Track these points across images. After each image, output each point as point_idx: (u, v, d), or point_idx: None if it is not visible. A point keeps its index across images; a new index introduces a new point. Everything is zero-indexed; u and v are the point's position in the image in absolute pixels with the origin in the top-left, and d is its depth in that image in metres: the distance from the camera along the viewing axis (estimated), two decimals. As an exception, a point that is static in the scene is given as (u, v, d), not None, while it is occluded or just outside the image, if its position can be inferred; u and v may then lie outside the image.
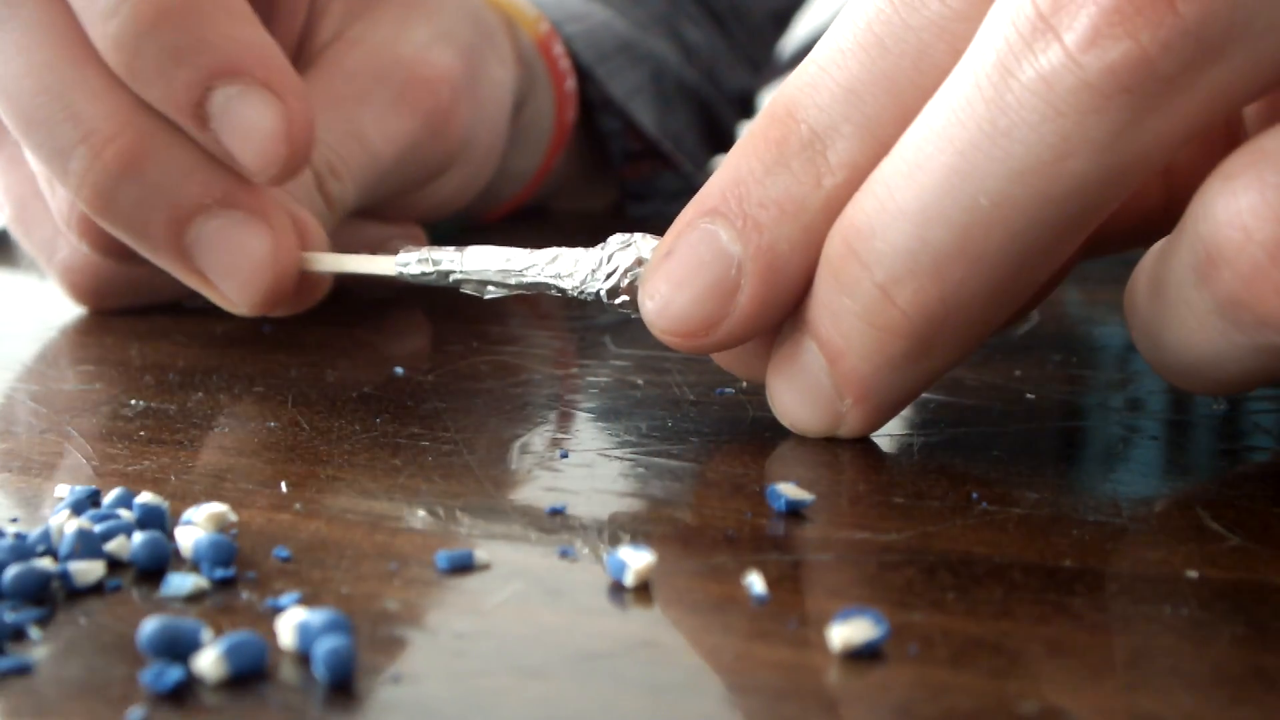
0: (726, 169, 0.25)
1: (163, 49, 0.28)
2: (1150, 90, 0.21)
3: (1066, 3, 0.21)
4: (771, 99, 0.25)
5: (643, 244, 0.27)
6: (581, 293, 0.28)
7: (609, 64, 0.52)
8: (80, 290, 0.37)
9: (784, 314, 0.25)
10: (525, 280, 0.28)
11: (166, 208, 0.30)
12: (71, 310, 0.39)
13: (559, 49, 0.49)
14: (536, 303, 0.40)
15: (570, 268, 0.28)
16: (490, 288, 0.29)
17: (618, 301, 0.27)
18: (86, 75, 0.30)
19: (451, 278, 0.29)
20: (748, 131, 0.25)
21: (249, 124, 0.29)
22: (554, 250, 0.28)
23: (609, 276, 0.27)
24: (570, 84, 0.49)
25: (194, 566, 0.21)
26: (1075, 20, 0.21)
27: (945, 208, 0.22)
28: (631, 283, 0.27)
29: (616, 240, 0.27)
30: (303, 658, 0.18)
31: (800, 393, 0.26)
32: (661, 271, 0.25)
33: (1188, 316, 0.23)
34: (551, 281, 0.28)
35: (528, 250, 0.28)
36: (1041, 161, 0.21)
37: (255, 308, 0.31)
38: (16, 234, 0.37)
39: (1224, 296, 0.21)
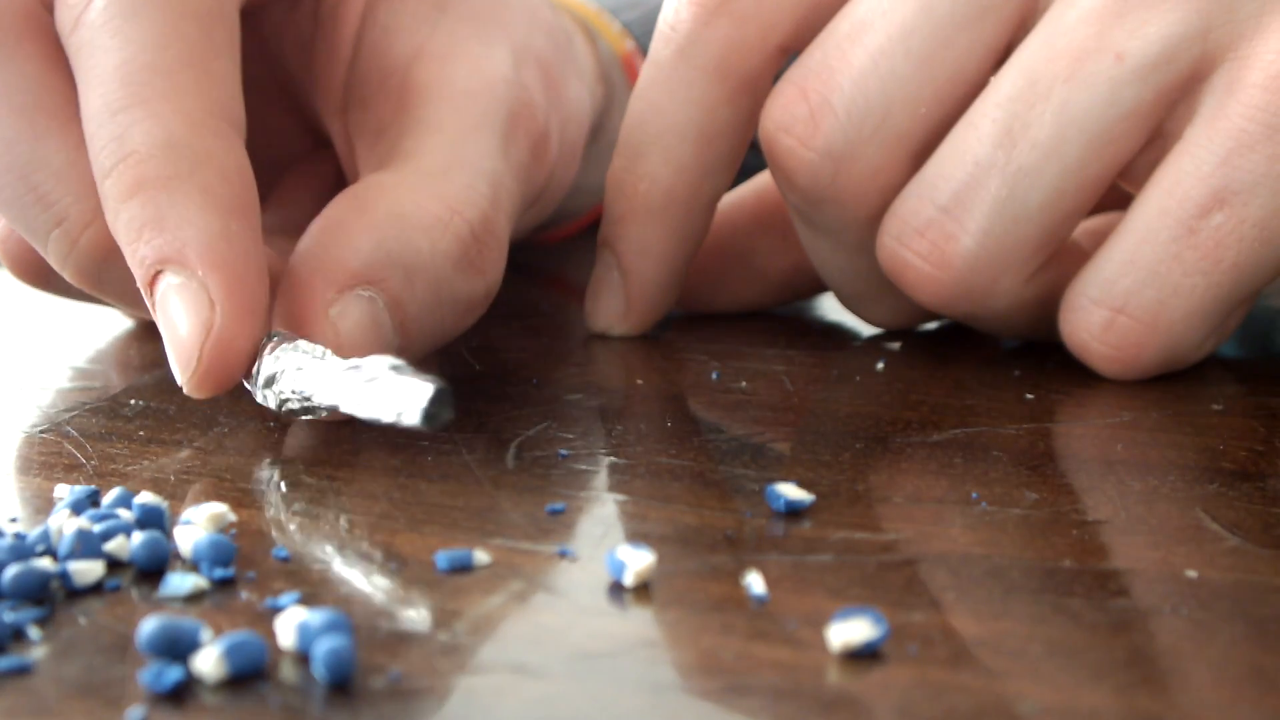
0: None
1: (130, 221, 0.26)
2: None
3: None
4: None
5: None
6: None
7: None
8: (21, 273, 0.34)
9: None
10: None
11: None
12: (70, 310, 0.39)
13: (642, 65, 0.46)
14: (536, 302, 0.40)
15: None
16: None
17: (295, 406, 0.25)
18: (44, 152, 0.28)
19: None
20: None
21: (175, 319, 0.26)
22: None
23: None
24: None
25: (193, 566, 0.21)
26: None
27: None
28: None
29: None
30: (302, 658, 0.18)
31: (604, 296, 0.35)
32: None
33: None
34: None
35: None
36: None
37: (189, 388, 0.26)
38: None
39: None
